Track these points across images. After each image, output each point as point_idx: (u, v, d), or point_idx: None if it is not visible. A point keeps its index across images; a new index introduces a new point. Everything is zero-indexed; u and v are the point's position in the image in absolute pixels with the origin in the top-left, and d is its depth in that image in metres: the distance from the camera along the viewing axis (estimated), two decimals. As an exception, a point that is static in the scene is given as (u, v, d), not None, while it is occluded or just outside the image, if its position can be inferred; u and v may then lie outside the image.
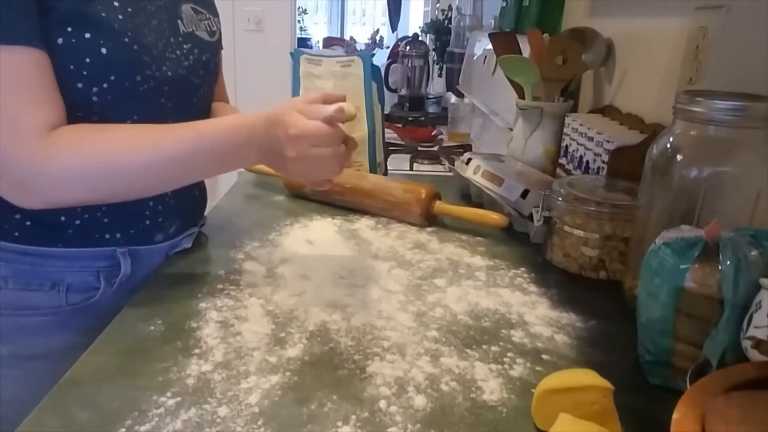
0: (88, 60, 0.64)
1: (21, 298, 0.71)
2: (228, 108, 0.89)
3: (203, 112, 0.82)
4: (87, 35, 0.63)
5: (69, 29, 0.62)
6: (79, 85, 0.65)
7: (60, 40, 0.62)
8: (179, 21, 0.75)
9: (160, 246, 0.78)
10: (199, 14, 0.79)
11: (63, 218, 0.70)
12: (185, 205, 0.81)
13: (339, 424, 0.49)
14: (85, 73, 0.64)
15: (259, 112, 0.66)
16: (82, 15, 0.62)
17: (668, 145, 0.62)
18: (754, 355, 0.46)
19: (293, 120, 0.63)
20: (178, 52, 0.74)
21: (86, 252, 0.73)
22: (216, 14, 0.84)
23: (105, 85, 0.66)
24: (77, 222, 0.71)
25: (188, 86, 0.76)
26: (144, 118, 0.69)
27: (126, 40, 0.66)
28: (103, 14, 0.64)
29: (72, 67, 0.63)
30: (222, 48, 0.90)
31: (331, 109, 0.63)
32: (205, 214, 0.91)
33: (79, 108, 0.65)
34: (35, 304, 0.72)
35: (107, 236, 0.73)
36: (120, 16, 0.65)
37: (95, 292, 0.74)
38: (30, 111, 0.61)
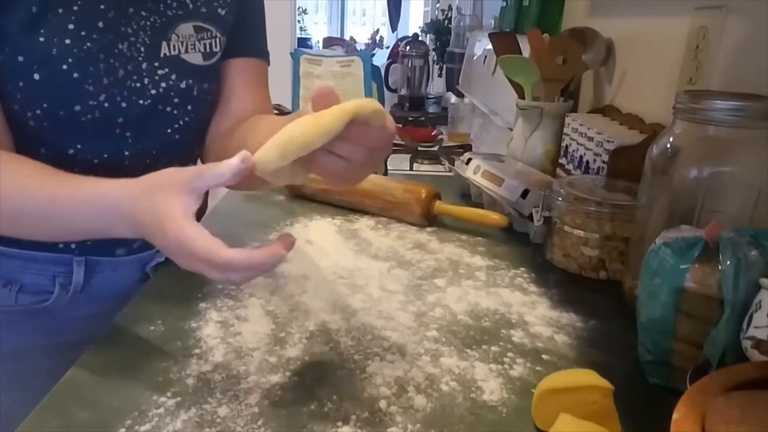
0: (21, 84, 0.61)
1: None
2: (270, 121, 0.73)
3: (184, 143, 0.75)
4: (20, 58, 0.59)
5: (6, 49, 0.59)
6: (15, 106, 0.62)
7: (0, 58, 0.60)
8: (164, 42, 0.69)
9: (124, 259, 0.76)
10: (202, 32, 0.72)
11: None
12: None
13: (339, 424, 0.49)
14: (18, 96, 0.61)
15: (135, 183, 0.52)
16: (19, 37, 0.59)
17: (668, 145, 0.62)
18: (754, 355, 0.46)
19: (172, 227, 0.47)
20: (146, 79, 0.68)
21: (42, 256, 0.71)
22: (226, 32, 0.75)
23: (38, 112, 0.62)
24: None
25: (154, 116, 0.70)
26: (90, 147, 0.66)
27: (64, 67, 0.61)
28: (42, 39, 0.59)
29: (9, 87, 0.61)
30: (261, 55, 0.81)
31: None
32: (205, 214, 0.91)
33: (20, 130, 0.63)
34: None
35: (60, 245, 0.71)
36: (67, 41, 0.60)
37: (49, 296, 0.72)
38: None
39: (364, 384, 0.54)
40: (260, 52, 0.82)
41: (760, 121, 0.58)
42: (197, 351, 0.58)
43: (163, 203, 0.48)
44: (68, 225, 0.57)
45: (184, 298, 0.68)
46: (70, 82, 0.62)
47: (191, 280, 0.73)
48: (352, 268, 0.78)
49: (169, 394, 0.51)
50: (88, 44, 0.62)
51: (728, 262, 0.49)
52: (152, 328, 0.62)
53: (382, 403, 0.51)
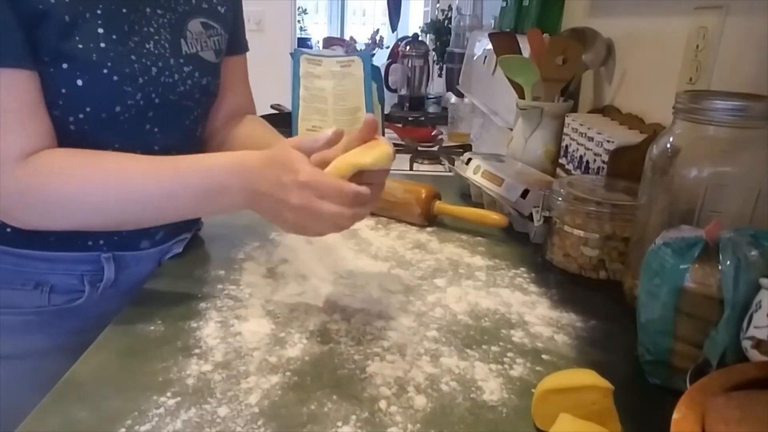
0: (63, 90, 0.62)
1: (3, 297, 0.70)
2: (265, 128, 0.84)
3: (194, 132, 0.79)
4: (64, 65, 0.61)
5: (46, 59, 0.60)
6: (56, 113, 0.63)
7: (40, 68, 0.60)
8: (183, 40, 0.72)
9: (147, 252, 0.77)
10: (209, 30, 0.76)
11: None
12: None
13: (339, 424, 0.49)
14: (60, 102, 0.63)
15: (254, 152, 0.62)
16: (58, 45, 0.60)
17: (668, 145, 0.62)
18: (754, 355, 0.46)
19: (305, 168, 0.57)
20: (176, 75, 0.71)
21: (69, 256, 0.72)
22: (228, 30, 0.80)
23: (81, 116, 0.64)
24: None
25: (178, 110, 0.74)
26: (126, 145, 0.67)
27: (105, 71, 0.63)
28: (80, 46, 0.61)
29: (49, 96, 0.62)
30: (247, 49, 0.89)
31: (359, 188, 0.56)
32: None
33: (58, 135, 0.64)
34: (17, 303, 0.71)
35: (90, 243, 0.72)
36: (102, 44, 0.63)
37: (80, 295, 0.73)
38: (6, 137, 0.58)
39: (364, 384, 0.54)
40: (244, 47, 0.88)
41: (760, 121, 0.58)
42: (197, 351, 0.58)
43: (286, 154, 0.58)
44: (181, 193, 0.62)
45: (184, 298, 0.68)
46: (111, 85, 0.64)
47: (191, 280, 0.73)
48: (352, 268, 0.78)
49: (169, 394, 0.51)
50: (120, 47, 0.65)
51: (728, 262, 0.49)
52: (152, 328, 0.62)
53: (382, 403, 0.51)
